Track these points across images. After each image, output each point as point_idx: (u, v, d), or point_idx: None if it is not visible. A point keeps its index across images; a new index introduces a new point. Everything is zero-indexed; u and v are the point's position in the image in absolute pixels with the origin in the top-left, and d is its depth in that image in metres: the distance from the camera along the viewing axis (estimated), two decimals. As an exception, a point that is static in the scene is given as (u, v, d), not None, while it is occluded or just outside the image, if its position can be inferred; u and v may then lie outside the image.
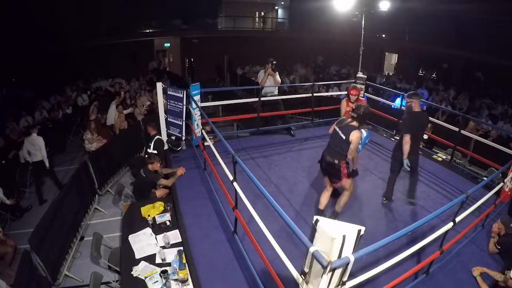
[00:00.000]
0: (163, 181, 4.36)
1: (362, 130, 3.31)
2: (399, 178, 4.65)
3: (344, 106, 4.69)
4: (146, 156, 4.71)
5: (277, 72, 5.71)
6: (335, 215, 3.51)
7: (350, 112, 3.29)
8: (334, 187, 3.52)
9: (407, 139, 3.60)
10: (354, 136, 3.13)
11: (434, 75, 12.76)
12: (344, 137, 3.17)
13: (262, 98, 5.53)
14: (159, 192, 4.50)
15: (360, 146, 3.32)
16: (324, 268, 1.60)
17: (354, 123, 3.20)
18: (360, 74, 6.32)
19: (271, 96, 5.77)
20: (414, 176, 4.00)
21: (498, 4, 9.42)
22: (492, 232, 3.38)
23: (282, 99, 6.00)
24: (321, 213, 3.49)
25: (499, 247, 3.18)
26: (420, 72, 13.60)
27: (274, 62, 5.53)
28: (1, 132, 6.89)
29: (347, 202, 3.50)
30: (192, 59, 13.71)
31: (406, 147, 3.61)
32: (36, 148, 5.31)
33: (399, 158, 3.74)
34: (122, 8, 12.56)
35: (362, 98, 5.17)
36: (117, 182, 5.65)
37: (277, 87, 5.83)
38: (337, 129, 3.26)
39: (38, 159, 5.36)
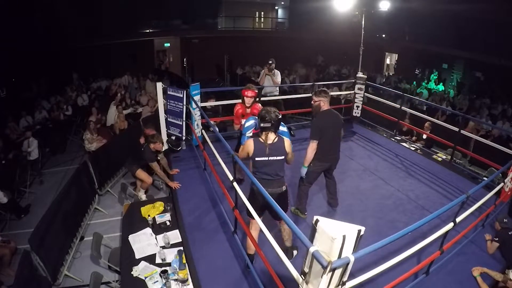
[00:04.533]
0: (154, 166, 4.39)
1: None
2: (399, 178, 4.68)
3: (240, 113, 3.92)
4: (150, 135, 4.74)
5: (278, 72, 5.71)
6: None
7: (261, 125, 2.63)
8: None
9: (313, 145, 3.26)
10: (286, 144, 2.73)
11: (434, 72, 12.74)
12: (282, 157, 2.71)
13: (262, 98, 5.52)
14: (141, 176, 4.61)
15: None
16: (324, 268, 1.60)
17: (273, 134, 2.67)
18: (360, 74, 6.32)
19: (271, 96, 5.77)
20: (333, 183, 3.77)
21: (499, 4, 9.42)
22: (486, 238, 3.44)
23: (282, 99, 6.00)
24: (251, 257, 2.91)
25: (496, 239, 3.22)
26: (416, 71, 13.60)
27: (270, 62, 5.55)
28: (1, 132, 6.89)
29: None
30: (189, 59, 13.63)
31: (310, 154, 3.28)
32: None
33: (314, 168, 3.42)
34: (122, 8, 12.56)
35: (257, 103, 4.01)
36: (117, 182, 5.66)
37: (277, 87, 5.84)
38: (267, 158, 2.66)
39: None
